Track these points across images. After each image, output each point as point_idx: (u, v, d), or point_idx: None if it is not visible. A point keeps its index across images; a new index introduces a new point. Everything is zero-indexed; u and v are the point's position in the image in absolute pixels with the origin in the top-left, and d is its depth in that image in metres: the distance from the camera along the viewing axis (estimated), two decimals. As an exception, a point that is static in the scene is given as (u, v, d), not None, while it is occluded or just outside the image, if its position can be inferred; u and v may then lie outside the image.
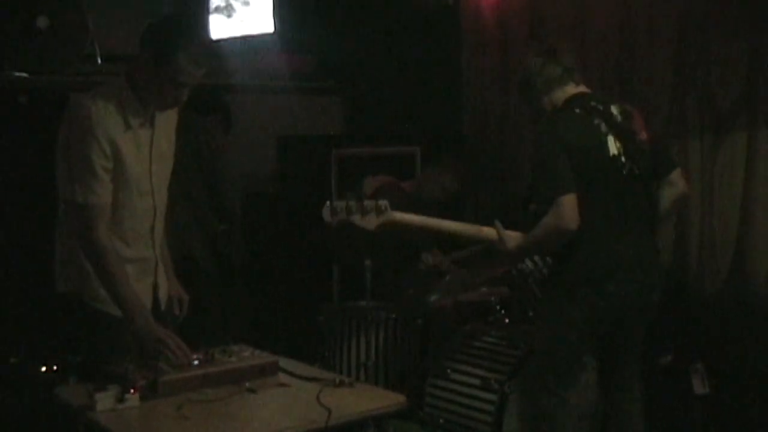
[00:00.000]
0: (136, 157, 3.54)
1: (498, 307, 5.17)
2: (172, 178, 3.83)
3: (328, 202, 3.82)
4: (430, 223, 4.11)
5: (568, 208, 3.67)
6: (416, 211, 5.21)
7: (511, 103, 6.17)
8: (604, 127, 3.85)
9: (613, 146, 3.84)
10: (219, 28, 6.41)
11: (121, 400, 3.10)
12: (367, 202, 3.84)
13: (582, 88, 4.01)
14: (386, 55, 6.82)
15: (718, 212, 5.00)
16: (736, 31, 4.88)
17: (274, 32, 6.43)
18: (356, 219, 3.85)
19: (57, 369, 4.61)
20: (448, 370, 4.81)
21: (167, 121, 3.72)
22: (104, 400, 3.08)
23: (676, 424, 4.90)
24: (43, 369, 4.66)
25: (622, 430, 4.12)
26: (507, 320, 5.10)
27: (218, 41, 6.51)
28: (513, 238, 3.94)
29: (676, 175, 4.05)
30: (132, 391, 3.12)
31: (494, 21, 6.22)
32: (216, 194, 5.49)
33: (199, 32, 3.44)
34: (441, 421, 4.74)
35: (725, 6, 4.93)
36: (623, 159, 3.84)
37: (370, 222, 3.87)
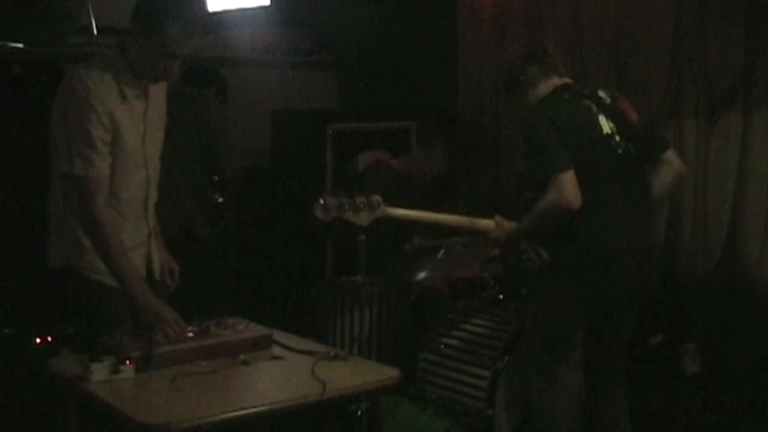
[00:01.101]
0: (132, 128, 3.53)
1: (492, 284, 5.18)
2: (171, 151, 3.83)
3: (321, 199, 3.81)
4: (425, 216, 4.14)
5: (568, 184, 3.65)
6: (406, 191, 5.22)
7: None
8: (594, 108, 3.86)
9: (605, 125, 3.84)
10: (215, 1, 6.40)
11: (115, 371, 3.10)
12: (359, 199, 3.85)
13: (566, 80, 4.01)
14: (382, 31, 6.80)
15: (712, 194, 5.01)
16: (732, 12, 4.88)
17: (270, 5, 6.41)
18: (348, 216, 3.85)
19: (51, 340, 4.62)
20: (441, 346, 4.83)
21: (158, 92, 3.70)
22: (99, 372, 3.08)
23: (665, 402, 4.92)
24: (37, 340, 4.66)
25: (606, 411, 4.14)
26: (500, 297, 5.11)
27: (214, 13, 6.50)
28: (510, 224, 3.96)
29: (671, 154, 4.05)
30: (127, 362, 3.12)
31: (491, -1, 6.20)
32: (214, 167, 5.48)
33: (188, 3, 3.41)
34: (433, 396, 4.76)
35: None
36: (617, 138, 3.84)
37: (363, 219, 3.89)
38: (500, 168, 6.24)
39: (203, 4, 3.44)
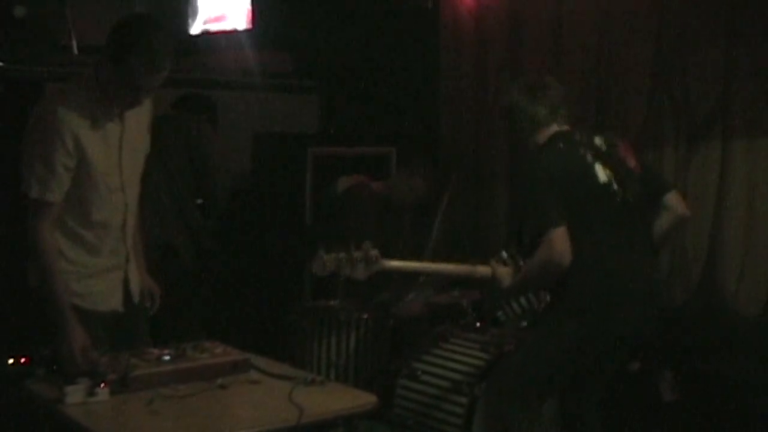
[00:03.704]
0: (103, 153, 3.52)
1: (469, 310, 5.17)
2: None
3: (318, 256, 3.81)
4: (423, 267, 4.15)
5: (558, 241, 3.66)
6: (388, 214, 5.22)
7: (488, 107, 6.16)
8: (590, 157, 3.85)
9: (602, 174, 3.83)
10: (196, 24, 6.42)
11: (91, 393, 3.09)
12: (357, 254, 3.84)
13: (565, 127, 3.99)
14: (364, 56, 6.82)
15: (691, 223, 5.01)
16: (712, 40, 4.91)
17: (252, 29, 6.42)
18: (346, 272, 3.85)
19: (26, 362, 4.57)
20: (419, 372, 4.81)
21: (140, 116, 3.70)
22: (74, 394, 3.07)
23: (643, 430, 4.92)
24: (11, 361, 4.61)
25: None
26: (478, 323, 5.10)
27: (196, 36, 6.52)
28: (507, 275, 3.96)
29: (672, 198, 4.02)
30: (102, 385, 3.11)
31: (472, 23, 6.22)
32: (204, 190, 5.48)
33: (156, 36, 3.40)
34: (410, 422, 4.74)
35: (702, 15, 4.96)
36: (615, 186, 3.84)
37: (360, 273, 3.88)
38: (483, 193, 6.24)
39: (168, 38, 3.43)
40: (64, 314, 3.40)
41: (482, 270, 4.02)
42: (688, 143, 5.07)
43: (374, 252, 3.88)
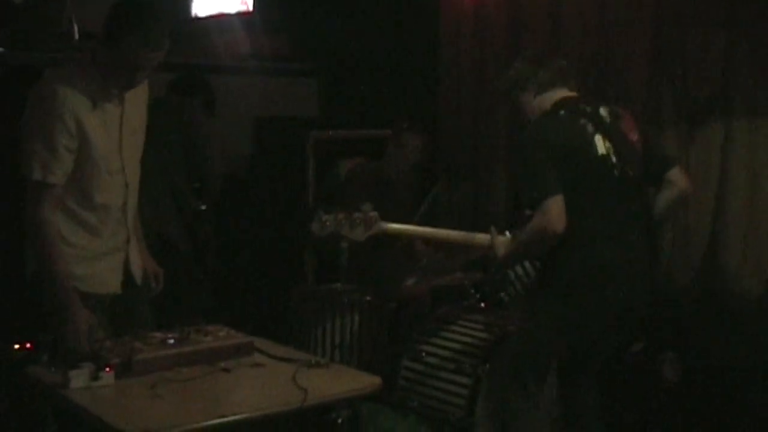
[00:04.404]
0: (104, 134, 3.52)
1: (472, 291, 5.18)
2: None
3: (317, 216, 3.82)
4: (421, 231, 4.14)
5: (554, 210, 3.64)
6: (390, 191, 5.22)
7: (486, 95, 6.15)
8: (590, 128, 3.82)
9: (601, 146, 3.80)
10: (197, 6, 6.40)
11: (95, 378, 3.08)
12: (357, 214, 3.86)
13: (573, 93, 3.98)
14: (364, 39, 6.80)
15: (693, 203, 5.00)
16: (712, 22, 4.89)
17: (251, 12, 6.41)
18: (345, 232, 3.86)
19: (30, 347, 4.58)
20: (422, 354, 4.82)
21: (138, 97, 3.70)
22: (78, 378, 3.06)
23: (645, 411, 4.93)
24: (16, 347, 4.62)
25: (580, 423, 4.14)
26: (481, 304, 5.11)
27: (195, 20, 6.50)
28: (504, 243, 3.95)
29: (674, 174, 3.98)
30: (106, 369, 3.11)
31: (472, 5, 6.20)
32: (198, 175, 5.47)
33: (150, 15, 3.40)
34: (414, 403, 4.75)
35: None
36: (614, 159, 3.81)
37: (360, 234, 3.90)
38: (480, 179, 6.23)
39: (162, 18, 3.44)
40: (69, 295, 3.39)
41: (480, 237, 4.01)
42: (689, 125, 5.05)
43: (373, 214, 3.89)
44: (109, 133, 3.55)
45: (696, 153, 5.03)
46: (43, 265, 3.45)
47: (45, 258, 3.44)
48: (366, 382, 3.34)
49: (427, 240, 5.52)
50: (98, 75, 3.49)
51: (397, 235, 4.12)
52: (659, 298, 4.98)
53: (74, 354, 3.23)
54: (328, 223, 3.84)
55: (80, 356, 3.20)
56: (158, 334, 3.46)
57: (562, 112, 3.87)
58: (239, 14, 6.47)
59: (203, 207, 5.46)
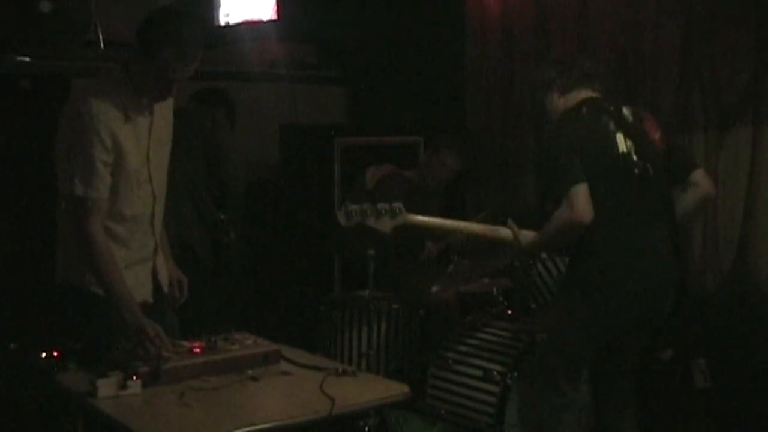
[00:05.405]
0: (135, 146, 3.54)
1: (500, 299, 5.16)
2: (175, 167, 3.83)
3: (343, 206, 3.82)
4: (447, 224, 4.13)
5: (580, 199, 3.64)
6: (421, 201, 5.23)
7: (514, 96, 6.14)
8: (612, 125, 3.83)
9: (622, 144, 3.81)
10: (223, 14, 6.41)
11: (123, 386, 3.09)
12: (381, 205, 3.85)
13: (593, 94, 3.98)
14: (390, 45, 6.80)
15: (722, 209, 4.97)
16: (742, 24, 4.86)
17: (277, 20, 6.41)
18: (371, 222, 3.86)
19: (57, 355, 4.60)
20: (450, 361, 4.81)
21: (165, 107, 3.71)
22: (106, 387, 3.07)
23: (676, 417, 4.90)
24: (44, 355, 4.64)
25: (615, 428, 4.12)
26: (509, 312, 5.09)
27: (221, 27, 6.51)
28: (529, 235, 3.94)
29: (698, 175, 3.98)
30: (134, 377, 3.11)
31: (498, 10, 6.18)
32: (218, 184, 5.48)
33: (187, 28, 3.41)
34: (442, 411, 4.75)
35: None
36: (635, 157, 3.81)
37: (385, 225, 3.89)
38: (509, 182, 6.22)
39: (198, 30, 3.44)
40: (129, 305, 3.38)
41: (505, 231, 4.01)
42: (718, 130, 5.02)
43: (398, 204, 3.88)
44: (139, 144, 3.56)
45: (725, 157, 4.99)
46: (101, 283, 3.43)
47: (100, 271, 3.42)
48: (394, 390, 3.33)
49: (437, 239, 5.53)
50: (131, 87, 3.50)
51: (421, 228, 4.10)
52: (689, 303, 4.96)
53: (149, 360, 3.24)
54: (354, 213, 3.83)
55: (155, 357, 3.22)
56: (186, 343, 3.46)
57: (584, 109, 3.88)
58: (266, 22, 6.46)
59: (222, 216, 5.47)
